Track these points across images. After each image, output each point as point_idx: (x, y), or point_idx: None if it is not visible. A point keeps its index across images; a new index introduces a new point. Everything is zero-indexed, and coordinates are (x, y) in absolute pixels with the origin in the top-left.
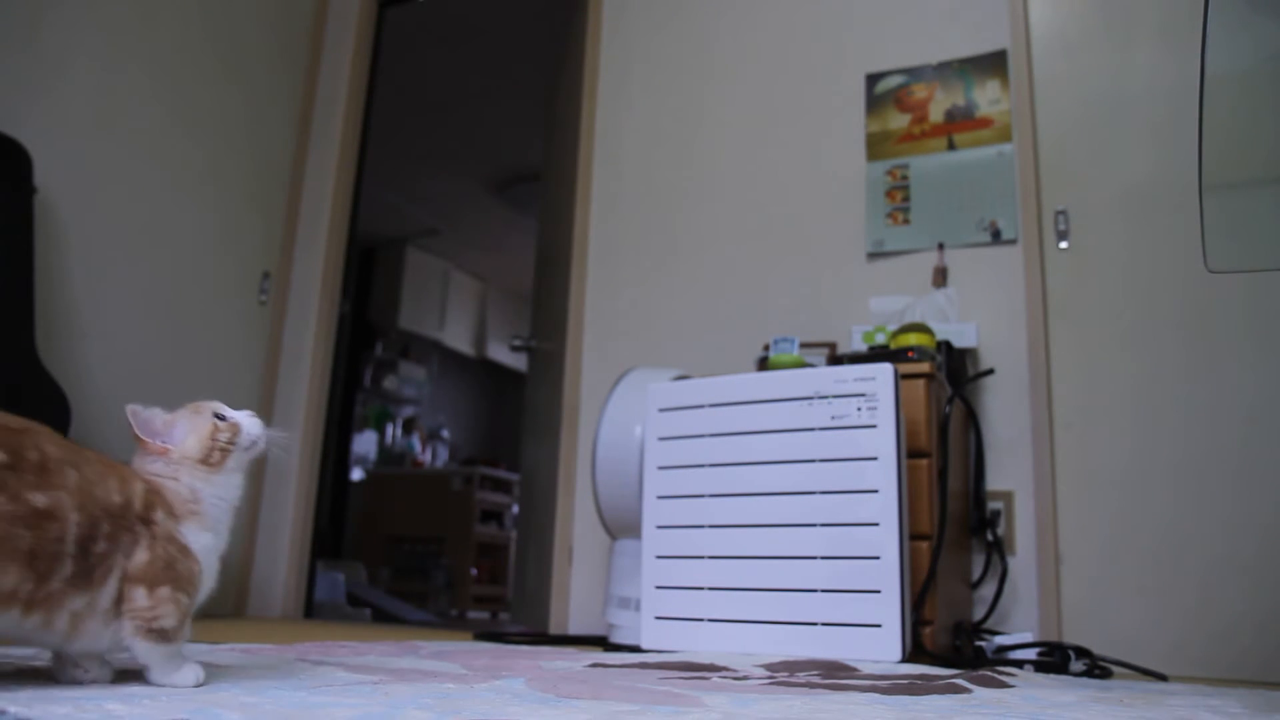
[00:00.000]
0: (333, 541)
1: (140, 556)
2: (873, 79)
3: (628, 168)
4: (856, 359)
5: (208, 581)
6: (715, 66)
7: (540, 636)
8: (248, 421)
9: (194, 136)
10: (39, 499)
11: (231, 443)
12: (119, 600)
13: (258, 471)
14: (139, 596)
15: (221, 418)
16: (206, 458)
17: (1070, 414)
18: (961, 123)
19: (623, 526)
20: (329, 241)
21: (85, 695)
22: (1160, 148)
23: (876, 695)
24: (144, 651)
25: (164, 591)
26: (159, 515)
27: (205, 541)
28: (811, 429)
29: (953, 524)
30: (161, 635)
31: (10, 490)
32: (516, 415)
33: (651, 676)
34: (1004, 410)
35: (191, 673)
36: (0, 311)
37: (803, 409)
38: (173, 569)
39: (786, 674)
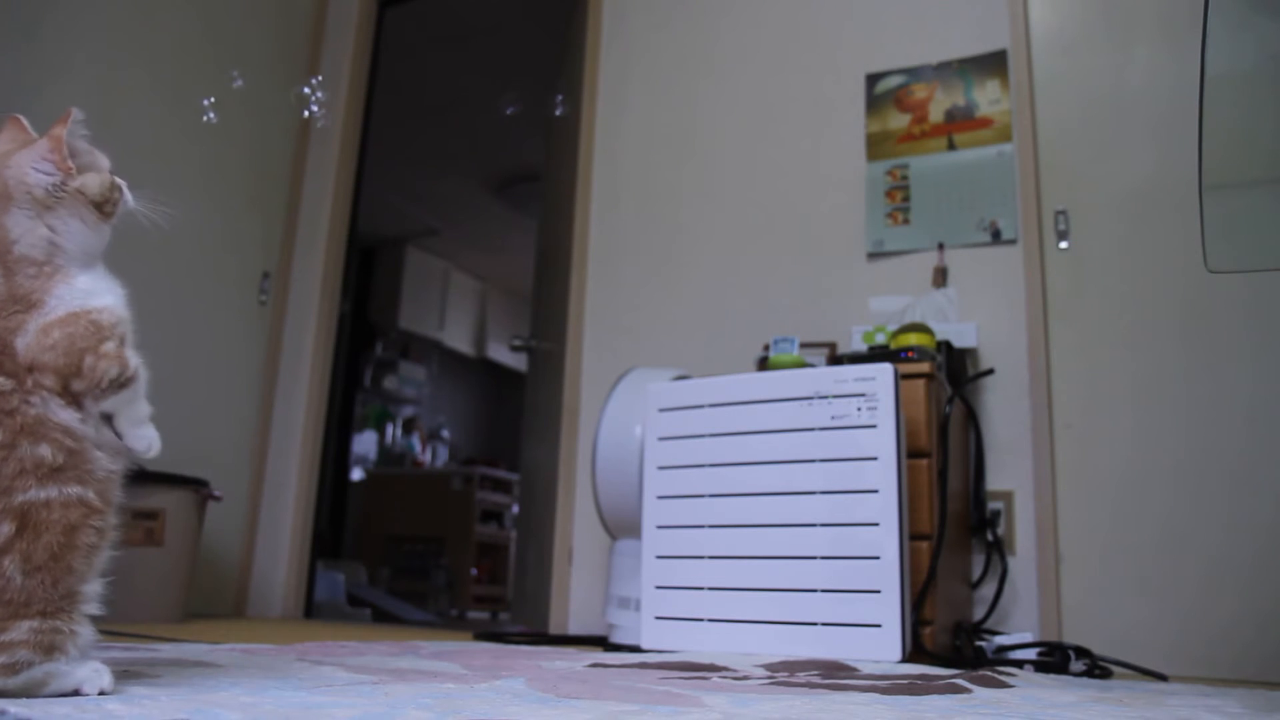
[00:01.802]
0: (333, 541)
1: (45, 361)
2: (873, 79)
3: (628, 167)
4: (856, 359)
5: (119, 309)
6: (715, 66)
7: (540, 636)
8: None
9: (194, 136)
10: (3, 530)
11: (119, 200)
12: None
13: (258, 471)
14: (76, 385)
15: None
16: (104, 203)
17: (1070, 414)
18: (961, 123)
19: (623, 526)
20: (329, 241)
21: (85, 696)
22: (1160, 148)
23: (876, 695)
24: (111, 405)
25: (88, 361)
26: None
27: (83, 284)
28: (811, 429)
29: (953, 524)
30: (118, 385)
31: None
32: (516, 415)
33: (651, 676)
34: (1004, 410)
35: None
36: None
37: (803, 409)
38: (74, 342)
39: (786, 674)
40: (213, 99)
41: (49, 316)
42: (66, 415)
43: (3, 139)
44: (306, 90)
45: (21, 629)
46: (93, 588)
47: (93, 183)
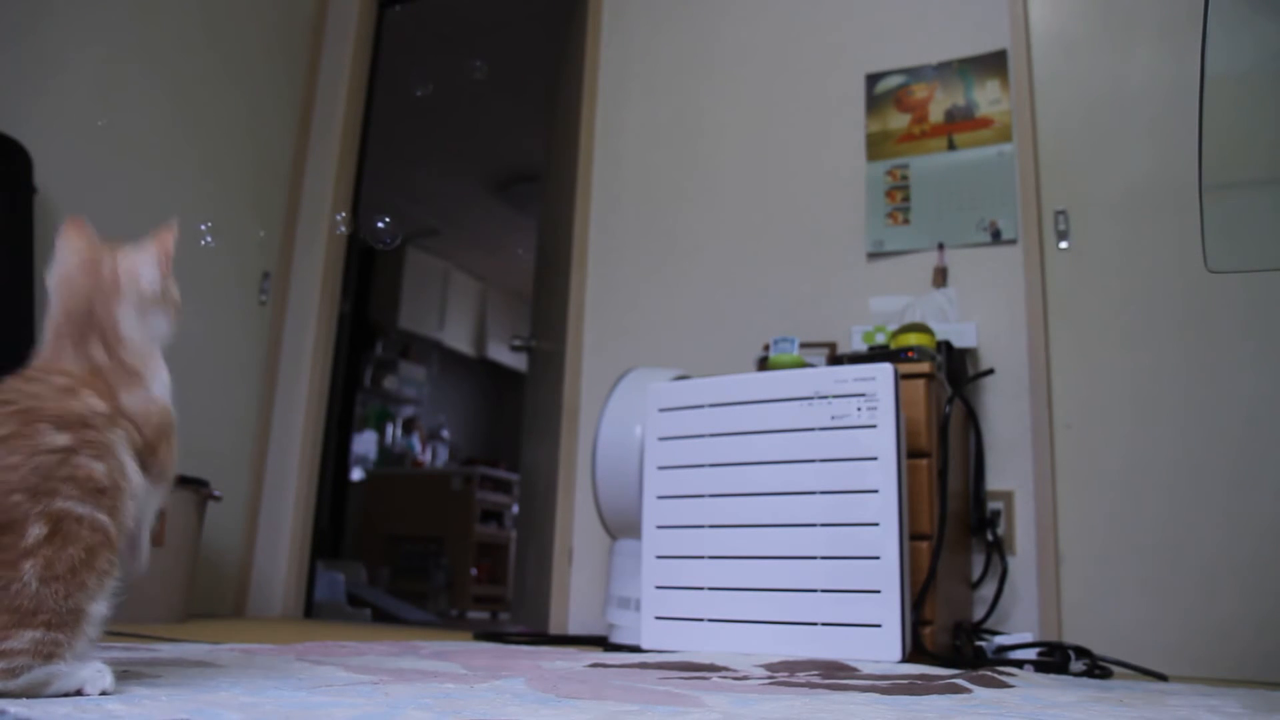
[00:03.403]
0: (333, 541)
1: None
2: (873, 79)
3: (628, 168)
4: (856, 359)
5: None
6: (715, 66)
7: (540, 636)
8: None
9: (194, 136)
10: (34, 532)
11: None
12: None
13: (257, 471)
14: (155, 464)
15: None
16: (179, 305)
17: (1070, 414)
18: (961, 123)
19: (623, 526)
20: (329, 241)
21: (85, 696)
22: (1160, 148)
23: (876, 695)
24: (149, 514)
25: (164, 453)
26: (127, 400)
27: (165, 376)
28: (811, 429)
29: (953, 524)
30: (167, 481)
31: (19, 551)
32: (516, 415)
33: (651, 676)
34: (1004, 410)
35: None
36: (1, 312)
37: (803, 409)
38: (160, 429)
39: (786, 674)
40: (210, 223)
41: (153, 401)
42: (130, 460)
43: (76, 243)
44: (381, 224)
45: (24, 638)
46: (98, 609)
47: (174, 288)
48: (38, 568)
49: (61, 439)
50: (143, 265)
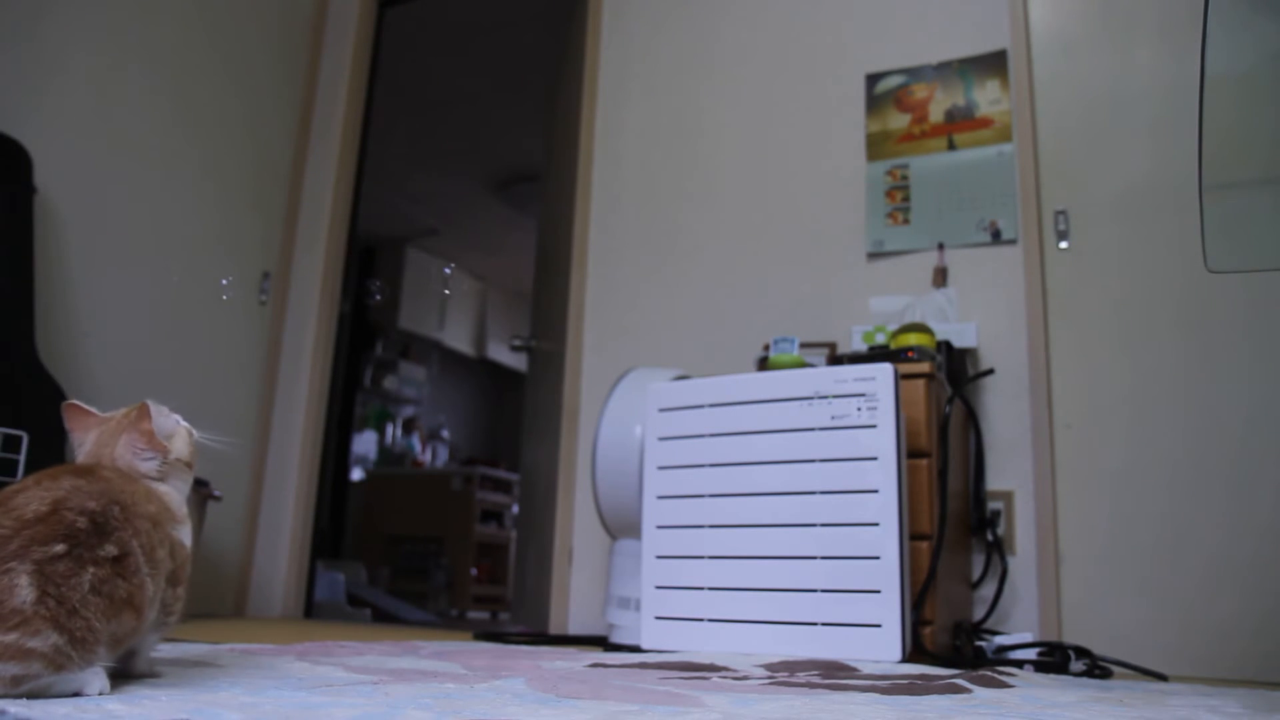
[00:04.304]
0: (333, 541)
1: (178, 558)
2: (873, 79)
3: (628, 168)
4: (856, 359)
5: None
6: (715, 66)
7: (540, 636)
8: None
9: (194, 136)
10: (109, 549)
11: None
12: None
13: (257, 471)
14: (172, 597)
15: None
16: (191, 460)
17: (1070, 414)
18: (961, 123)
19: (623, 526)
20: (329, 241)
21: (85, 695)
22: (1160, 148)
23: (876, 695)
24: (150, 644)
25: (181, 590)
26: (170, 523)
27: (188, 537)
28: (811, 429)
29: (953, 524)
30: (168, 628)
31: (91, 556)
32: (516, 415)
33: (651, 676)
34: (1004, 410)
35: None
36: (0, 311)
37: (803, 409)
38: (184, 569)
39: (786, 674)
40: (230, 278)
41: (183, 543)
42: (164, 567)
43: (78, 425)
44: (447, 269)
45: (48, 640)
46: (104, 651)
47: (181, 446)
48: (96, 580)
49: (152, 508)
50: (133, 457)
